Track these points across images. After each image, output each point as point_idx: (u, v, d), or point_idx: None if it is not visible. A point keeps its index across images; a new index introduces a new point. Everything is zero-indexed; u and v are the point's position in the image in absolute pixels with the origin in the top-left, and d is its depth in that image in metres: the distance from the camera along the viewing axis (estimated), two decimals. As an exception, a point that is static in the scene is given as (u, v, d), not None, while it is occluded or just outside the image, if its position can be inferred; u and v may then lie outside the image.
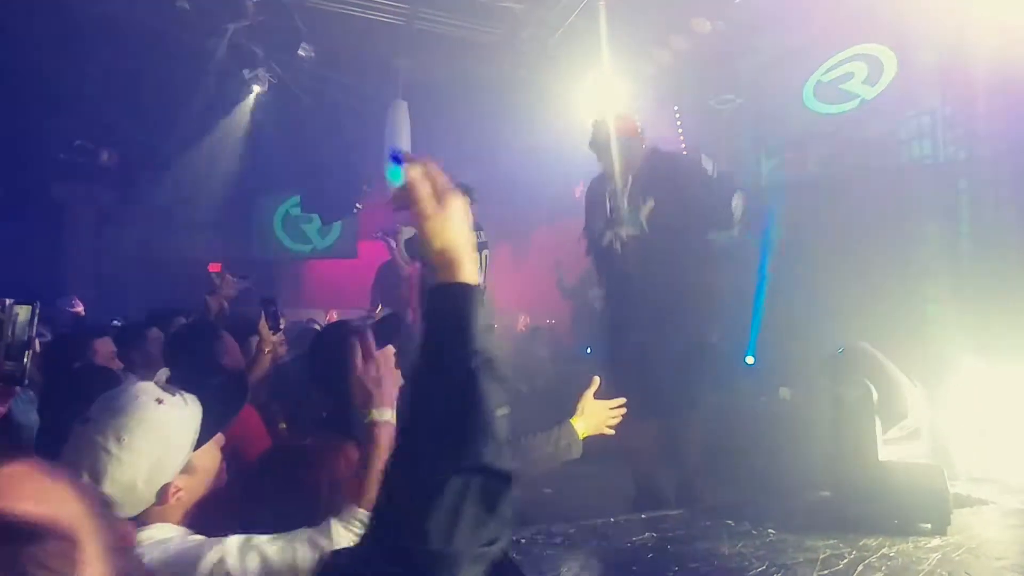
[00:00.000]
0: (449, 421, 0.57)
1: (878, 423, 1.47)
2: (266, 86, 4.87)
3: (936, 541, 1.45)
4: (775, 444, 2.30)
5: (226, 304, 2.53)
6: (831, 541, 1.50)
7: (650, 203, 2.61)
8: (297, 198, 6.16)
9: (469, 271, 0.63)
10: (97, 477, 0.91)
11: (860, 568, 1.35)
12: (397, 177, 0.68)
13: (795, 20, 3.39)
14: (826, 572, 1.35)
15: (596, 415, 1.54)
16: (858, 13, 3.06)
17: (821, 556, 1.43)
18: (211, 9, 4.41)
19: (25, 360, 1.09)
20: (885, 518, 1.52)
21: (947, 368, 1.88)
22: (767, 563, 1.42)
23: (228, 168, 5.99)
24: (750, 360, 3.36)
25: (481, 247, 3.28)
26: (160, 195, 6.36)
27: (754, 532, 1.59)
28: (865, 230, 2.63)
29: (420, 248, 0.68)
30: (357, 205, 5.72)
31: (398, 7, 4.38)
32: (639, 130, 2.79)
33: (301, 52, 4.75)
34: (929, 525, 1.48)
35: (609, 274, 2.80)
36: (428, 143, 5.08)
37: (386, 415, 1.05)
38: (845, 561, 1.39)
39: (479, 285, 0.65)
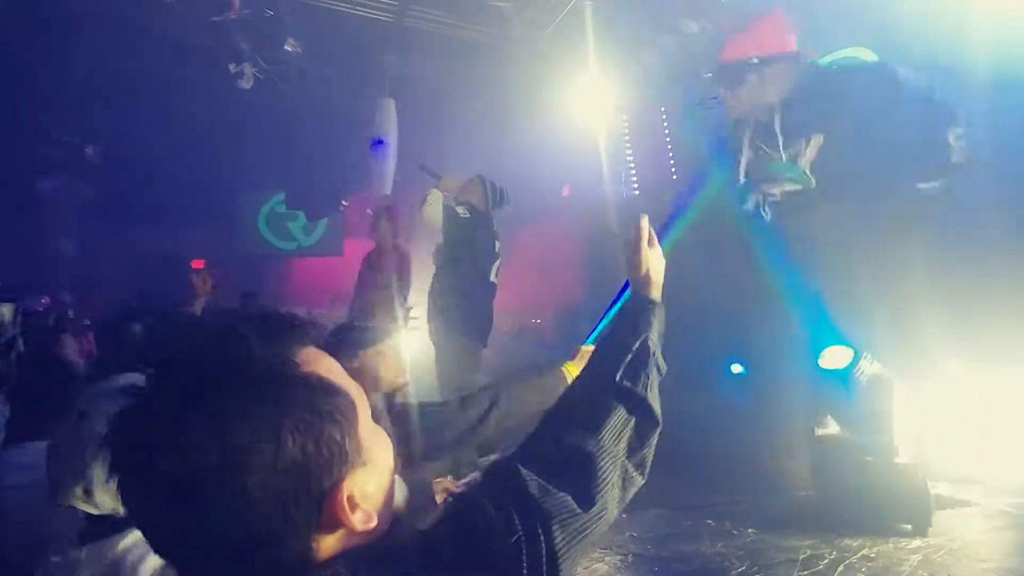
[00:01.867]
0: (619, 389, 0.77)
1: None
2: (251, 81, 4.80)
3: (917, 542, 1.44)
4: (754, 443, 2.29)
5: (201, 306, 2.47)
6: (812, 541, 1.48)
7: (817, 139, 1.72)
8: (282, 195, 6.08)
9: (659, 291, 0.95)
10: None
11: (840, 569, 1.34)
12: None
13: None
14: (806, 573, 1.33)
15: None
16: (841, 17, 3.07)
17: (802, 556, 1.41)
18: (196, 3, 4.33)
19: (12, 357, 1.05)
20: (866, 518, 1.51)
21: (933, 368, 1.88)
22: (748, 563, 1.40)
23: (213, 164, 5.90)
24: (737, 368, 3.29)
25: (496, 257, 3.20)
26: (144, 191, 6.25)
27: (735, 532, 1.57)
28: (851, 229, 2.62)
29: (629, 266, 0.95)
30: (343, 203, 5.66)
31: (387, 3, 4.34)
32: (792, 39, 1.84)
33: (287, 47, 4.69)
34: (910, 526, 1.47)
35: (736, 255, 1.95)
36: (415, 141, 5.04)
37: None
38: (825, 562, 1.38)
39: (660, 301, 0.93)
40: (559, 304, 5.41)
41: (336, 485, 0.52)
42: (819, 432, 1.66)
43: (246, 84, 4.92)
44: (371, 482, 0.56)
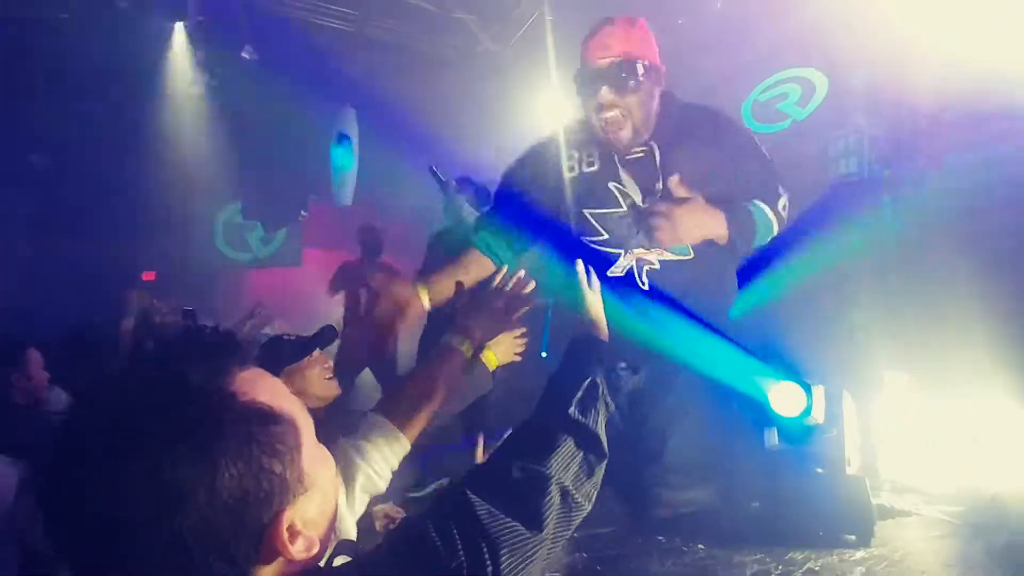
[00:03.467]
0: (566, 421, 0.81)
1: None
2: (206, 89, 4.67)
3: (861, 553, 1.45)
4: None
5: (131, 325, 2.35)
6: (759, 556, 1.48)
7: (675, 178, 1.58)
8: (239, 205, 5.90)
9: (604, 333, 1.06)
10: None
11: (785, 584, 1.33)
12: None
13: (734, 43, 3.51)
14: (752, 589, 1.32)
15: (503, 344, 1.44)
16: (791, 38, 3.20)
17: (748, 573, 1.41)
18: (150, 8, 4.20)
19: None
20: (812, 530, 1.51)
21: (873, 377, 1.92)
22: (694, 582, 1.39)
23: (165, 173, 5.69)
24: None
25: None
26: (93, 200, 5.97)
27: (684, 549, 1.55)
28: (799, 240, 2.70)
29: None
30: (303, 212, 5.53)
31: (349, 13, 4.30)
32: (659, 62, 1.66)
33: (245, 55, 4.58)
34: (854, 537, 1.48)
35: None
36: (377, 151, 4.98)
37: None
38: (770, 577, 1.37)
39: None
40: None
41: (276, 517, 0.50)
42: (769, 443, 1.66)
43: (201, 90, 4.79)
44: (312, 508, 0.54)
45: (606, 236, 1.78)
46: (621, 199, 1.76)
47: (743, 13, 3.29)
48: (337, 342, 3.19)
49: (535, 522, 0.65)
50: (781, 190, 1.77)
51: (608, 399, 0.89)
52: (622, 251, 1.76)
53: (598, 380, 0.89)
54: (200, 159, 5.51)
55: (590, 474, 0.77)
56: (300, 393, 1.49)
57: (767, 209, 1.71)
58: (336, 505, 0.60)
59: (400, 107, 5.12)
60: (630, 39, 1.74)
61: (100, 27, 4.35)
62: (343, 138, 4.74)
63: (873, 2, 2.55)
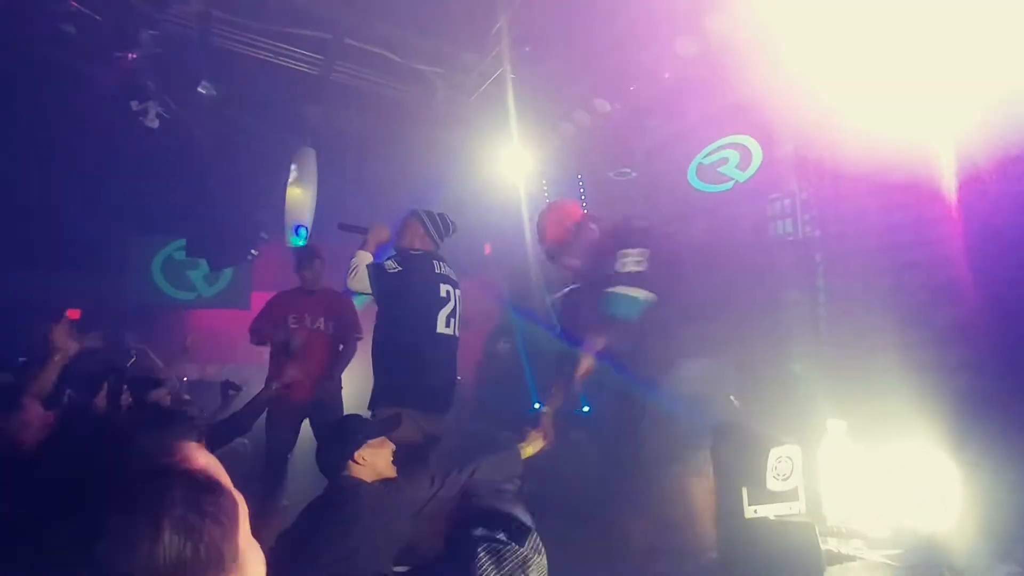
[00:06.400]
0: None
1: (744, 492, 1.52)
2: (156, 122, 4.52)
3: (812, 598, 1.49)
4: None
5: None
6: (719, 605, 1.49)
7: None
8: (182, 241, 5.64)
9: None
10: None
11: (745, 634, 1.34)
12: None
13: (680, 109, 3.82)
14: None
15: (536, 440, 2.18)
16: (731, 107, 3.52)
17: (710, 622, 1.41)
18: (99, 36, 4.09)
19: None
20: (767, 576, 1.55)
21: (815, 426, 2.03)
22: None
23: (104, 205, 5.39)
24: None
25: (444, 303, 2.85)
26: (21, 229, 5.54)
27: (647, 601, 1.54)
28: (739, 296, 2.88)
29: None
30: (252, 252, 5.34)
31: (313, 57, 4.34)
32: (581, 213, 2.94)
33: (201, 90, 4.50)
34: (806, 582, 1.52)
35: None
36: (337, 193, 4.95)
37: None
38: (731, 627, 1.38)
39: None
40: (479, 359, 5.36)
41: None
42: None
43: (151, 123, 4.63)
44: None
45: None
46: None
47: (688, 83, 3.60)
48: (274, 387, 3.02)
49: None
50: (619, 252, 2.64)
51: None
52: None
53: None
54: (143, 192, 5.27)
55: (520, 529, 0.77)
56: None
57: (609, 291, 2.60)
58: None
59: (360, 149, 5.15)
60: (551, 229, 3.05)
61: (43, 51, 4.18)
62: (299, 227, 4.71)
63: (800, 78, 2.86)
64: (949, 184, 2.41)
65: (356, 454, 1.81)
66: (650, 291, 2.56)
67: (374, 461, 1.81)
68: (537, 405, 3.62)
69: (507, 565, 1.25)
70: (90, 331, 2.66)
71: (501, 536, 1.37)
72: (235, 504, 0.54)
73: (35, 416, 1.76)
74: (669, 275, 2.61)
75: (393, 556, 1.63)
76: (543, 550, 1.10)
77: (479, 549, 0.87)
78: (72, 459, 0.51)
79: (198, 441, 0.51)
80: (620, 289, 2.57)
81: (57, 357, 2.14)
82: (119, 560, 0.44)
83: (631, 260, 2.61)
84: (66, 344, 2.16)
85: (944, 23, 2.32)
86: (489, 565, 0.88)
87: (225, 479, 0.55)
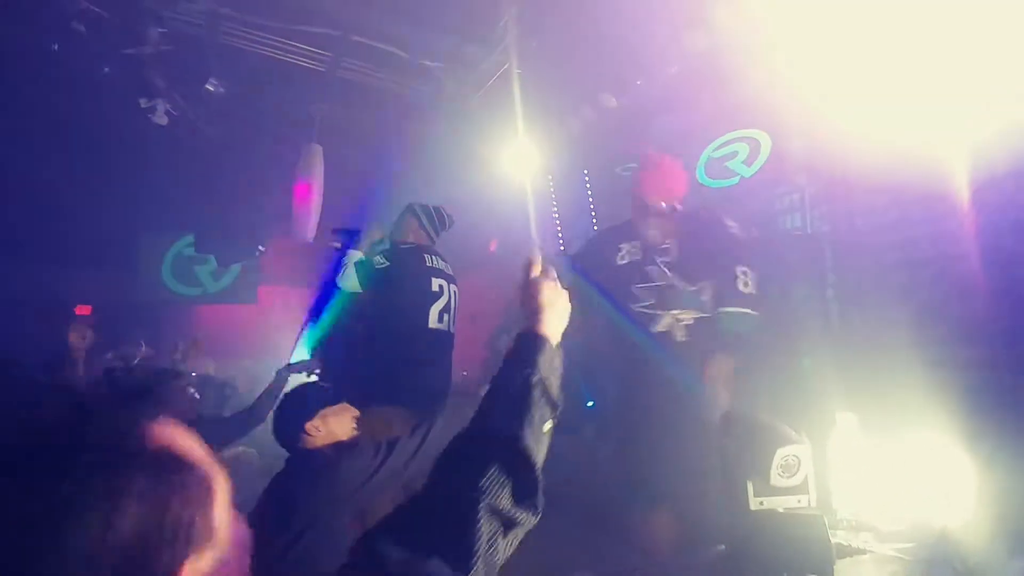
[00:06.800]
0: (505, 421, 0.75)
1: (750, 485, 1.51)
2: (165, 119, 4.55)
3: (822, 593, 1.48)
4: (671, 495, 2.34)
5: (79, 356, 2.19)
6: (727, 598, 1.49)
7: (709, 285, 2.53)
8: (190, 238, 5.68)
9: (551, 327, 0.93)
10: None
11: (754, 628, 1.34)
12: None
13: (688, 104, 3.79)
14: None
15: None
16: (740, 102, 3.49)
17: (718, 615, 1.41)
18: (109, 34, 4.11)
19: None
20: (775, 570, 1.54)
21: (826, 420, 2.02)
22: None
23: (114, 202, 5.43)
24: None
25: (436, 297, 2.80)
26: (32, 226, 5.60)
27: (655, 594, 1.54)
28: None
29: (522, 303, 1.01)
30: (260, 248, 5.37)
31: (320, 54, 4.35)
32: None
33: (209, 87, 4.53)
34: (815, 576, 1.51)
35: (641, 363, 2.54)
36: (342, 190, 4.96)
37: None
38: (739, 621, 1.37)
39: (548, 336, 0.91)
40: (487, 356, 5.36)
41: (177, 565, 0.47)
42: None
43: (160, 120, 4.66)
44: (217, 564, 0.51)
45: (651, 302, 2.63)
46: (659, 277, 2.68)
47: (696, 78, 3.57)
48: None
49: (462, 558, 0.60)
50: (738, 269, 2.62)
51: (552, 397, 0.80)
52: (663, 313, 2.60)
53: (531, 380, 0.80)
54: (153, 189, 5.31)
55: (530, 483, 0.70)
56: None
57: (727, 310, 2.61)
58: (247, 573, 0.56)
59: (367, 145, 5.16)
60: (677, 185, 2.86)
61: (52, 49, 4.21)
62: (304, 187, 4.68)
63: (810, 72, 2.83)
64: (963, 179, 2.38)
65: (308, 424, 1.77)
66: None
67: (331, 430, 1.78)
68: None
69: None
70: (101, 328, 2.69)
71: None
72: (208, 479, 0.52)
73: None
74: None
75: (347, 526, 1.60)
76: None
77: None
78: (29, 427, 0.49)
79: (181, 421, 0.50)
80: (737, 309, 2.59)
81: (75, 355, 2.17)
82: (69, 532, 0.43)
83: (747, 280, 2.64)
84: (82, 344, 2.19)
85: (959, 19, 2.29)
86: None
87: (198, 454, 0.53)
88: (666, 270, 2.66)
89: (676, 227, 2.78)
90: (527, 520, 0.68)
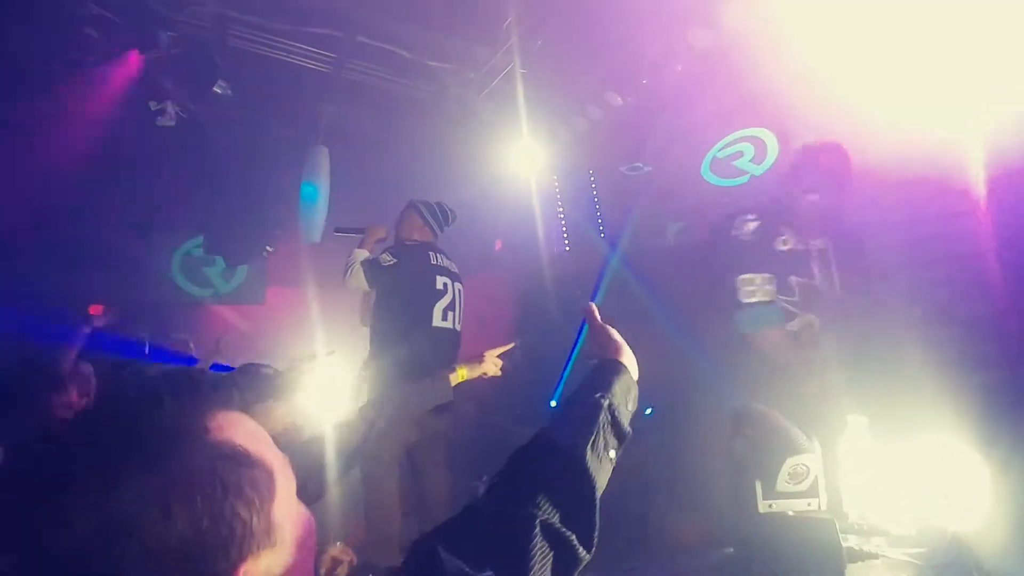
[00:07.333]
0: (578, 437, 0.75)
1: (758, 485, 1.49)
2: (173, 120, 4.59)
3: (832, 597, 1.46)
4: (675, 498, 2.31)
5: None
6: (735, 602, 1.47)
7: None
8: (200, 238, 5.72)
9: (627, 358, 0.96)
10: None
11: (762, 632, 1.32)
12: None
13: (694, 103, 3.77)
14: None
15: (483, 363, 1.81)
16: (746, 101, 3.46)
17: (726, 619, 1.39)
18: (120, 38, 4.16)
19: None
20: (785, 573, 1.51)
21: (836, 423, 1.98)
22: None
23: (124, 203, 5.49)
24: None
25: (440, 295, 2.78)
26: (43, 228, 5.66)
27: (662, 596, 1.52)
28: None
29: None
30: (268, 248, 5.40)
31: (326, 55, 4.37)
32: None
33: (217, 89, 4.56)
34: (825, 580, 1.48)
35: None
36: (348, 190, 4.97)
37: None
38: (747, 625, 1.36)
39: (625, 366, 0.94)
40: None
41: (233, 567, 0.46)
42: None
43: (168, 122, 4.70)
44: (277, 567, 0.49)
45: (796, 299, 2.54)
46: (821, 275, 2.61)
47: (701, 76, 3.54)
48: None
49: (516, 572, 0.58)
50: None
51: (621, 425, 0.79)
52: (802, 313, 2.53)
53: (603, 402, 0.79)
54: (163, 190, 5.35)
55: (585, 508, 0.67)
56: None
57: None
58: (306, 568, 0.54)
59: (372, 146, 5.17)
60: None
61: (64, 53, 4.26)
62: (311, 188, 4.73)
63: (817, 69, 2.79)
64: (975, 179, 2.34)
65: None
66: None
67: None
68: (553, 403, 3.53)
69: None
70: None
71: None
72: (270, 478, 0.50)
73: (75, 398, 1.86)
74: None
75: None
76: None
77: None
78: (100, 416, 0.49)
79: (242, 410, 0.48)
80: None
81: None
82: (120, 539, 0.41)
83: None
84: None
85: (969, 14, 2.25)
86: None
87: (261, 450, 0.51)
88: (832, 270, 2.52)
89: (826, 226, 2.56)
90: (580, 555, 0.64)
